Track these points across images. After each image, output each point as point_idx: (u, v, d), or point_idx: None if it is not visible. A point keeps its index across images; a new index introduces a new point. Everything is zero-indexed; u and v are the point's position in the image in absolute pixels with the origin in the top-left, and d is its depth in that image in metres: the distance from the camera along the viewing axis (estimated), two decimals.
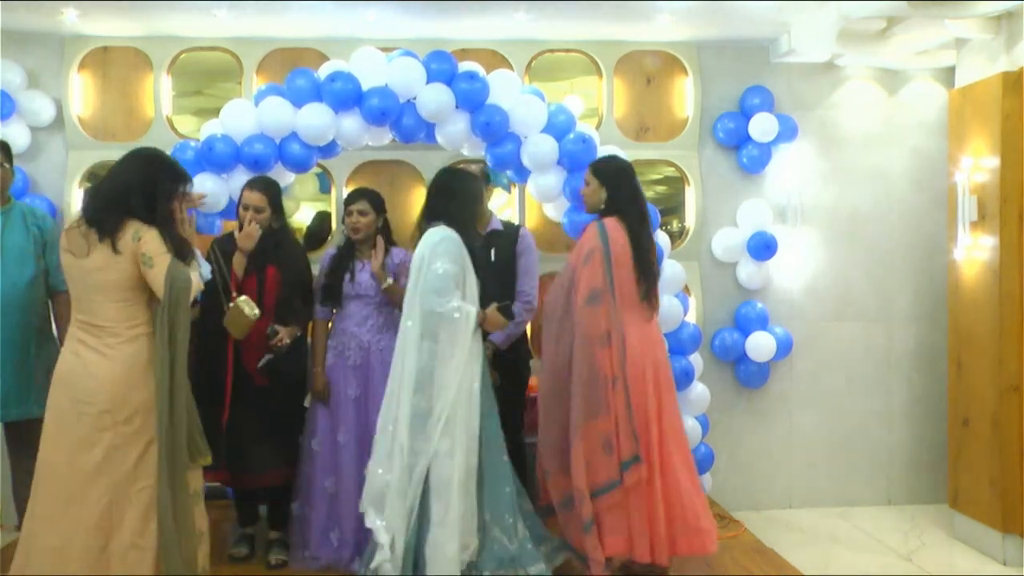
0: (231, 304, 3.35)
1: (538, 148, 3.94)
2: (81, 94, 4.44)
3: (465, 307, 3.18)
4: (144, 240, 2.77)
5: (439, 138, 3.98)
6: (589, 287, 3.24)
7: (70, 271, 2.86)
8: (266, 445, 3.54)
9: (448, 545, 3.02)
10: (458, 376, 3.11)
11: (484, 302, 3.35)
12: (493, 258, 3.71)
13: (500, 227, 3.80)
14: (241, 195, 3.60)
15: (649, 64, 4.67)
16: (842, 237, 4.76)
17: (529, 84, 4.39)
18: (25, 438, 3.64)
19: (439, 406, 3.09)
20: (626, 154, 4.14)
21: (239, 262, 3.51)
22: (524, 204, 4.70)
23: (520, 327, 3.75)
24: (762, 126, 4.52)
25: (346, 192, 4.29)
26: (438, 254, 3.17)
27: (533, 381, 4.05)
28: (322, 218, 4.82)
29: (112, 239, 2.77)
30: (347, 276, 3.62)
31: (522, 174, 4.08)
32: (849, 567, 3.86)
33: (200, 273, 2.96)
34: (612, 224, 3.32)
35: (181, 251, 2.87)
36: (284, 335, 3.48)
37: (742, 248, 4.58)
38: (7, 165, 3.62)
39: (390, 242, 3.73)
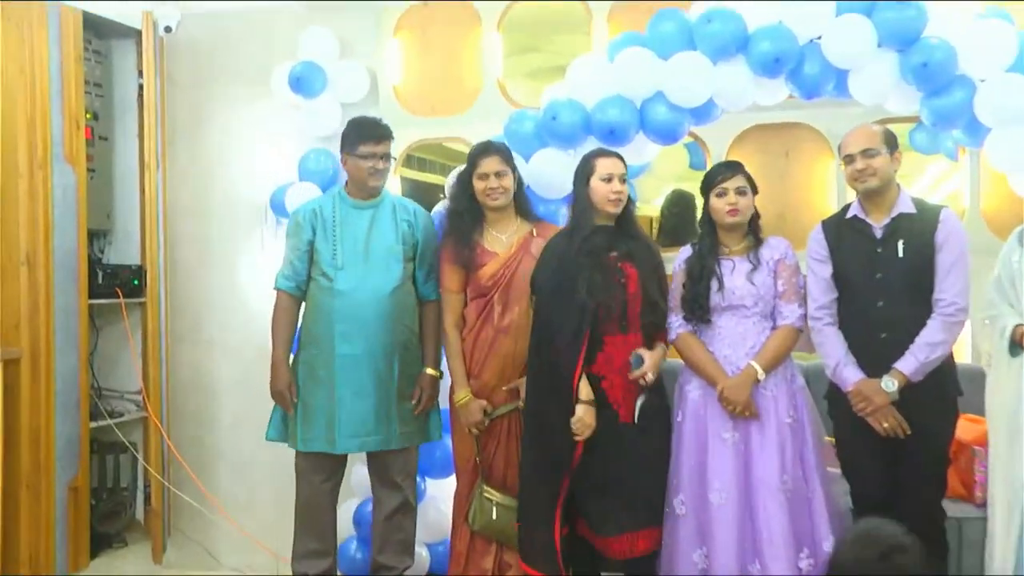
0: None
1: (1003, 95, 3.02)
2: (398, 61, 4.12)
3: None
4: None
5: (853, 89, 3.20)
6: None
7: None
8: (638, 499, 2.87)
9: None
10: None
11: (889, 309, 2.80)
12: (902, 252, 2.84)
13: (912, 210, 2.89)
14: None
15: None
16: None
17: (988, 3, 3.32)
18: (384, 472, 3.24)
19: None
20: None
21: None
22: (978, 177, 3.67)
23: (939, 349, 2.74)
24: None
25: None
26: None
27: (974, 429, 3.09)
28: (679, 202, 4.11)
29: None
30: (714, 283, 2.86)
31: (976, 133, 3.16)
32: None
33: None
34: None
35: None
36: (649, 367, 2.78)
37: None
38: (377, 152, 3.19)
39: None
